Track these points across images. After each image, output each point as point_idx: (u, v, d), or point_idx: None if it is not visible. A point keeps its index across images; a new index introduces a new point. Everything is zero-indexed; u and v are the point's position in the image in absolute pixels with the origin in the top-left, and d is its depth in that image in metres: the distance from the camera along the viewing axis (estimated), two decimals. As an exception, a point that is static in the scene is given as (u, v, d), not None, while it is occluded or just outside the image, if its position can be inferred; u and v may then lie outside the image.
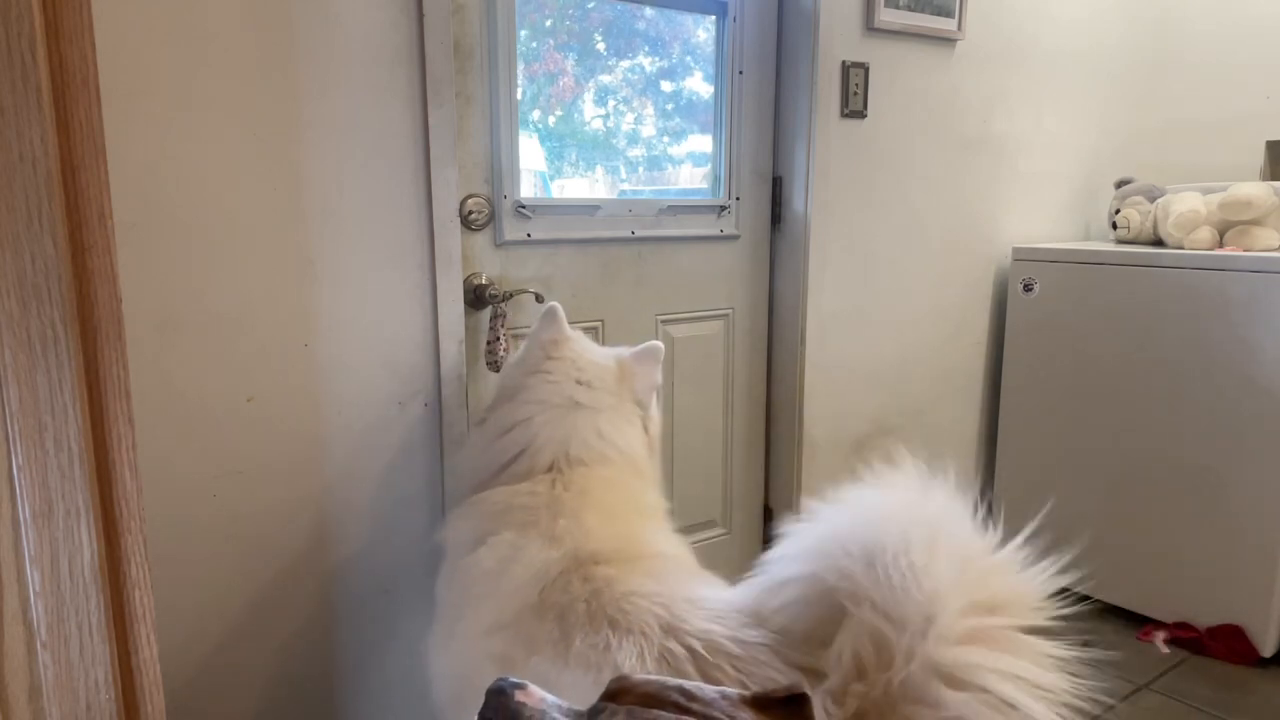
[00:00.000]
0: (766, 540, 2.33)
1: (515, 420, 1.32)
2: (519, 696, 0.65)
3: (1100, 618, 2.38)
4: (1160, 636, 2.25)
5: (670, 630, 0.94)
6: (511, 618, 1.07)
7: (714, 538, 2.23)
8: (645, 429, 1.39)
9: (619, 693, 0.65)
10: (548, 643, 1.01)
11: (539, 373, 1.35)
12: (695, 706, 0.63)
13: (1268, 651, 2.12)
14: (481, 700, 0.65)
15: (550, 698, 0.66)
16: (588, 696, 0.68)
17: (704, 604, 0.98)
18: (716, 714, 0.62)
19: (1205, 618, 2.21)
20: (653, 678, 0.66)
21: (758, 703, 0.64)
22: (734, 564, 2.28)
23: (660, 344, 1.41)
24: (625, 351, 1.41)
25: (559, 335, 1.38)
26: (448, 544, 1.30)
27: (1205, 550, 2.20)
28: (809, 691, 0.65)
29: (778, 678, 0.89)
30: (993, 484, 2.66)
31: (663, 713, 0.62)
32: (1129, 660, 2.16)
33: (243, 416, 1.41)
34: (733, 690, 0.66)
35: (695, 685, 0.66)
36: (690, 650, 0.91)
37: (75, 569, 0.66)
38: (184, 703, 1.42)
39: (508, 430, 1.31)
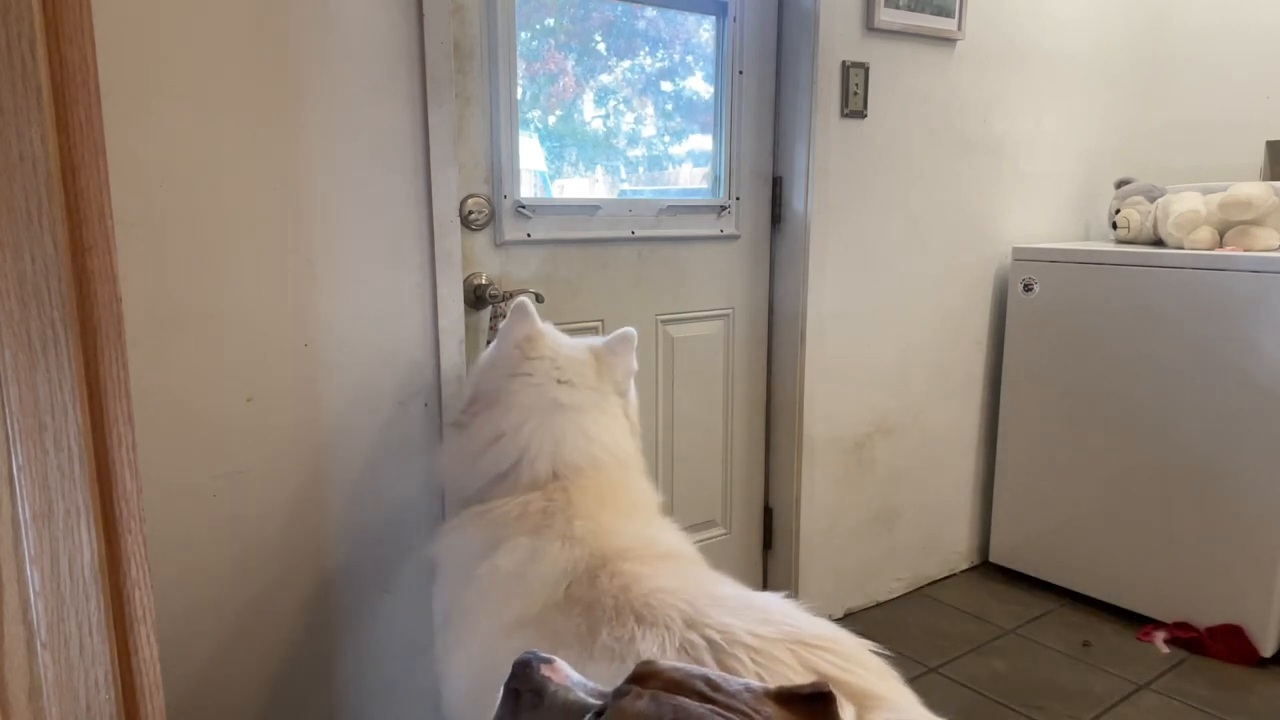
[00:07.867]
0: (767, 540, 2.33)
1: (502, 429, 1.29)
2: (545, 670, 0.65)
3: (1100, 618, 2.38)
4: (1160, 636, 2.25)
5: (692, 624, 0.97)
6: (536, 614, 1.08)
7: (714, 538, 2.22)
8: (626, 415, 1.37)
9: (644, 676, 0.64)
10: (574, 637, 1.03)
11: (519, 375, 1.31)
12: (719, 697, 0.62)
13: (1268, 651, 2.12)
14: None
15: (576, 675, 0.66)
16: (611, 686, 0.67)
17: (725, 601, 1.01)
18: (740, 705, 0.62)
19: (1205, 618, 2.21)
20: (679, 665, 0.66)
21: (781, 698, 0.63)
22: (734, 564, 2.28)
23: (633, 330, 1.38)
24: (597, 341, 1.38)
25: (533, 331, 1.34)
26: (448, 552, 1.28)
27: (1205, 550, 2.20)
28: (834, 690, 0.64)
29: (790, 675, 0.90)
30: (993, 484, 2.66)
31: (687, 699, 0.61)
32: (1129, 660, 2.16)
33: (243, 416, 1.41)
34: (757, 684, 0.65)
35: (720, 676, 0.65)
36: (709, 641, 0.94)
37: (75, 569, 0.66)
38: (184, 703, 1.42)
39: (495, 440, 1.29)
